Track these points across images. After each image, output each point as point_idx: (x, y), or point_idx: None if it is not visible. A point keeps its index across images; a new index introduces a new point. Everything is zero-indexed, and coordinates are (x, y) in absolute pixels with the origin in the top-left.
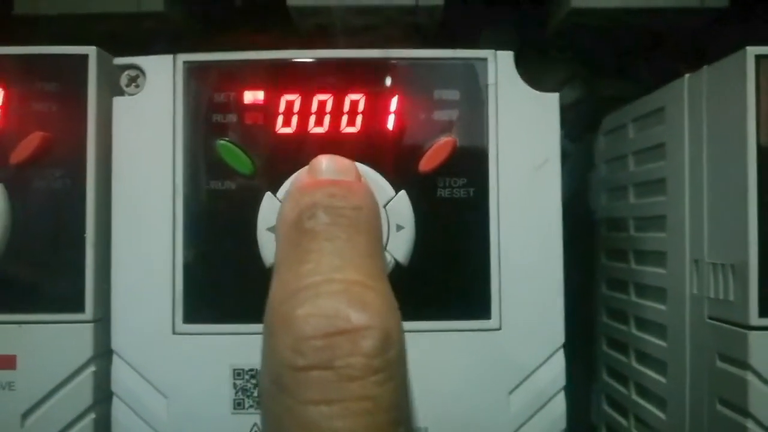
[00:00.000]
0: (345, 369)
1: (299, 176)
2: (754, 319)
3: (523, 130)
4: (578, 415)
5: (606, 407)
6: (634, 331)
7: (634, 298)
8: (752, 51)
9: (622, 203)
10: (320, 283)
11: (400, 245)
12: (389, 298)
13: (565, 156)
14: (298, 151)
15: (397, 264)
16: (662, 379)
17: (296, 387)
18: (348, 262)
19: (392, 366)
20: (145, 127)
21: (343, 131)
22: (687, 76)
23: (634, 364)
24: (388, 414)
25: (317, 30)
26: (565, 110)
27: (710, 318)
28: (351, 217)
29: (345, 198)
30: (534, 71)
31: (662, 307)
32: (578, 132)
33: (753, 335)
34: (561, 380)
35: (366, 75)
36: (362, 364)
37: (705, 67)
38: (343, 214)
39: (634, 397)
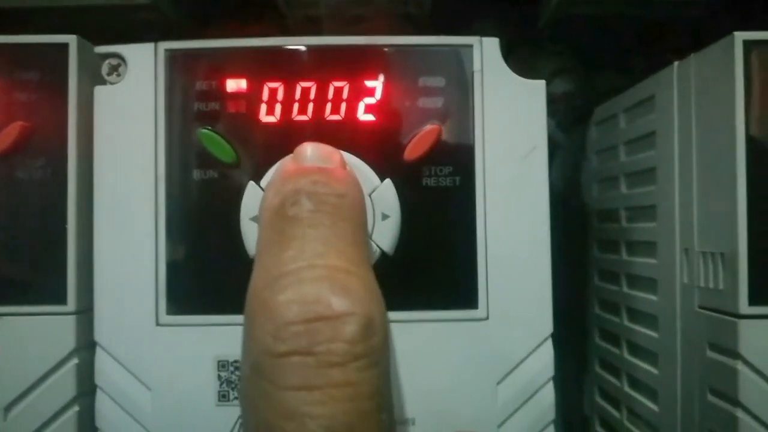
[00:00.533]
0: (326, 355)
1: (283, 163)
2: (744, 307)
3: (510, 118)
4: (571, 407)
5: (599, 399)
6: (625, 322)
7: (625, 289)
8: (740, 36)
9: (614, 194)
10: (302, 269)
11: (385, 234)
12: (372, 285)
13: (557, 147)
14: (281, 140)
15: (383, 253)
16: (654, 370)
17: (276, 372)
18: (331, 248)
19: (375, 352)
20: (126, 117)
21: (327, 119)
22: (676, 63)
23: (626, 355)
24: (371, 400)
25: (307, 21)
26: (557, 101)
27: (700, 307)
28: (335, 204)
29: (329, 185)
30: (526, 62)
31: (653, 297)
32: (570, 123)
33: (743, 324)
34: (549, 370)
35: (350, 62)
36: (343, 350)
37: (693, 54)
38: (327, 201)
39: (626, 388)
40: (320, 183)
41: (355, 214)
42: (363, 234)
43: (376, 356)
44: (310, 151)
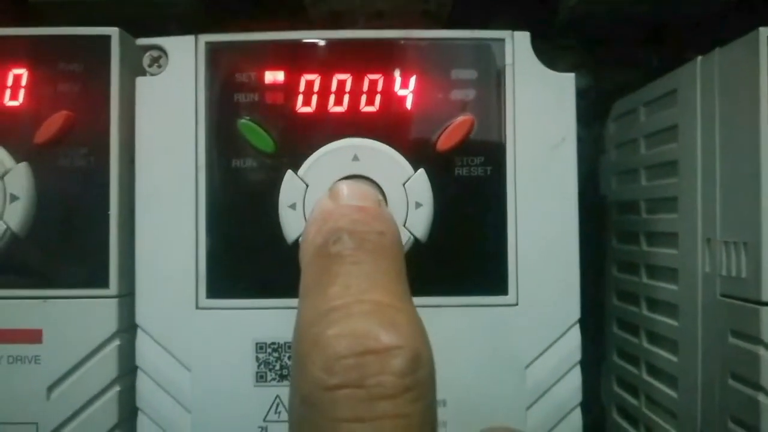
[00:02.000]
0: (376, 388)
1: (321, 202)
2: (767, 295)
3: (540, 110)
4: (589, 396)
5: (616, 388)
6: (645, 312)
7: (645, 279)
8: (765, 31)
9: (634, 186)
10: (350, 305)
11: (418, 222)
12: (417, 320)
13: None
14: (318, 130)
15: (416, 240)
16: (674, 358)
17: (327, 405)
18: (376, 284)
19: (423, 385)
20: (167, 107)
21: (362, 111)
22: (699, 58)
23: (645, 344)
24: (422, 431)
25: (330, 16)
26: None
27: (722, 295)
28: (375, 241)
29: (368, 224)
30: (542, 59)
31: (674, 287)
32: (586, 119)
33: (766, 310)
34: (577, 354)
35: (384, 55)
36: (393, 382)
37: (717, 48)
38: (368, 239)
39: (645, 376)
40: (360, 222)
41: (395, 250)
42: (403, 269)
43: (425, 389)
44: (346, 190)
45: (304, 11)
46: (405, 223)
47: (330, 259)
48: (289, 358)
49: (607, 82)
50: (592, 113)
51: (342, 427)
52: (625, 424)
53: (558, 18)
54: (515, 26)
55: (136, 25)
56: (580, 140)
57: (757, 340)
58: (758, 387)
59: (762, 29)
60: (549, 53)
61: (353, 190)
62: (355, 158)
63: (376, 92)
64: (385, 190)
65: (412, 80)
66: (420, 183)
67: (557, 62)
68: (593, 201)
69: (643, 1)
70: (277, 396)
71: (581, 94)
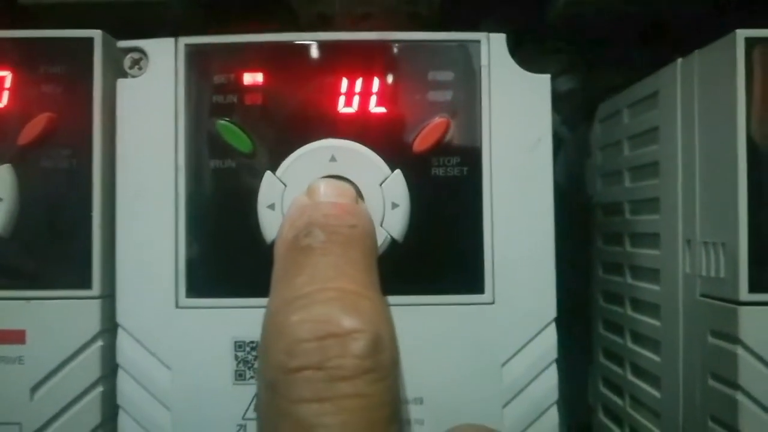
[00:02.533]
0: (336, 369)
1: (297, 199)
2: (744, 294)
3: (516, 111)
4: (575, 396)
5: (602, 388)
6: (629, 312)
7: (629, 280)
8: (742, 34)
9: (618, 188)
10: (314, 292)
11: (395, 222)
12: (381, 306)
13: (562, 143)
14: (296, 131)
15: (393, 240)
16: (656, 358)
17: (288, 388)
18: (342, 273)
19: (383, 368)
20: (148, 108)
21: (340, 111)
22: (679, 60)
23: (629, 344)
24: (381, 411)
25: (319, 18)
26: (562, 99)
27: (702, 295)
28: (346, 234)
29: (340, 218)
30: (532, 60)
31: (656, 287)
32: (575, 120)
33: (743, 310)
34: (553, 353)
35: (362, 56)
36: (353, 364)
37: (696, 51)
38: (339, 231)
39: (630, 376)
40: (332, 216)
41: (365, 242)
42: (373, 262)
43: (385, 371)
44: (323, 188)
45: (293, 13)
46: (382, 223)
47: (300, 252)
48: None
49: (597, 84)
50: (581, 114)
51: (302, 407)
52: (610, 424)
53: (547, 19)
54: (504, 28)
55: (125, 28)
56: (569, 142)
57: (735, 340)
58: (736, 386)
59: (739, 31)
60: (539, 55)
61: (330, 187)
62: (333, 159)
63: (354, 93)
64: (362, 191)
65: (390, 81)
66: (397, 183)
67: (547, 64)
68: (581, 202)
69: (633, 1)
70: (256, 394)
71: (571, 96)
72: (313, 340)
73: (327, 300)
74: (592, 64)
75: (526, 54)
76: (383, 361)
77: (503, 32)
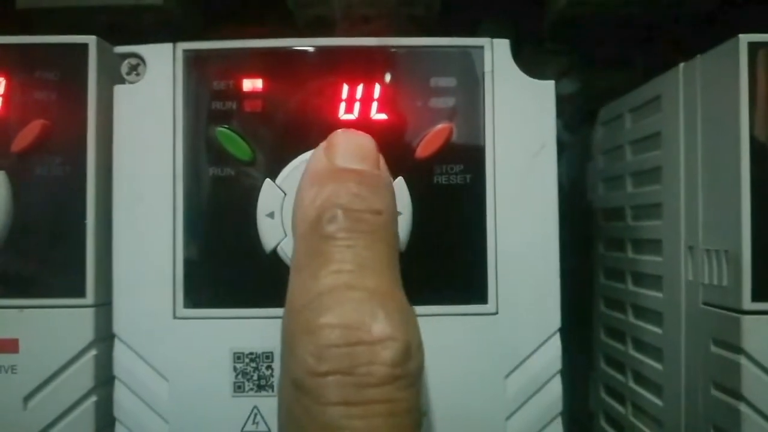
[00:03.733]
0: (366, 376)
1: (316, 158)
2: (747, 303)
3: (520, 117)
4: (577, 403)
5: (604, 395)
6: (631, 319)
7: (631, 286)
8: (745, 38)
9: (619, 193)
10: (342, 290)
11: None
12: (408, 308)
13: (563, 147)
14: (296, 138)
15: None
16: (658, 366)
17: (317, 390)
18: (368, 269)
19: (412, 375)
20: (145, 115)
21: (341, 118)
22: (682, 65)
23: (631, 351)
24: (409, 416)
25: (316, 21)
26: (562, 102)
27: (705, 303)
28: (371, 222)
29: (366, 200)
30: (532, 63)
31: (658, 294)
32: (575, 124)
33: (746, 319)
34: (557, 364)
35: (363, 62)
36: (382, 372)
37: (699, 55)
38: (363, 219)
39: (631, 384)
40: (358, 197)
41: (390, 233)
42: (396, 255)
43: (413, 378)
44: (343, 148)
45: (290, 16)
46: None
47: (324, 239)
48: (267, 368)
49: (596, 87)
50: (581, 118)
51: (331, 409)
52: (612, 431)
53: (547, 22)
54: (504, 30)
55: (123, 32)
56: (570, 145)
57: (738, 349)
58: (739, 396)
59: (742, 36)
60: (538, 57)
61: (351, 147)
62: None
63: (355, 100)
64: None
65: (391, 88)
66: (399, 191)
67: (546, 66)
68: (582, 206)
69: (631, 4)
70: (255, 407)
71: (570, 99)
72: (343, 346)
73: (356, 301)
74: (593, 67)
75: (525, 56)
76: (411, 369)
77: (502, 34)
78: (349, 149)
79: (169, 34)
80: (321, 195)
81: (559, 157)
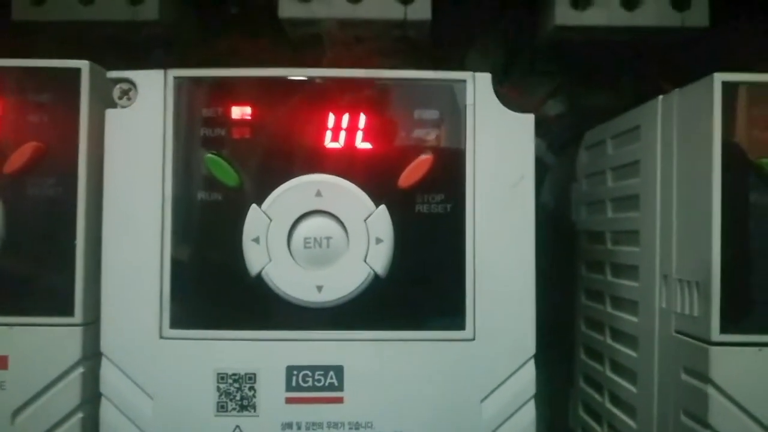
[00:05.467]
0: None
1: None
2: (716, 335)
3: (500, 149)
4: (557, 420)
5: (582, 413)
6: (608, 341)
7: (609, 309)
8: (719, 77)
9: (600, 217)
10: None
11: (379, 257)
12: None
13: (549, 168)
14: (282, 165)
15: (376, 276)
16: (633, 389)
17: None
18: None
19: None
20: (136, 139)
21: (326, 147)
22: (660, 97)
23: (608, 372)
24: None
25: (309, 39)
26: (550, 122)
27: (677, 332)
28: None
29: None
30: (520, 84)
31: (634, 319)
32: (562, 144)
33: (714, 350)
34: (531, 389)
35: (349, 93)
36: None
37: (676, 90)
38: None
39: (608, 404)
40: None
41: None
42: None
43: None
44: None
45: (284, 32)
46: (366, 258)
47: None
48: (249, 388)
49: (585, 108)
50: (569, 138)
51: None
52: None
53: (537, 44)
54: (494, 52)
55: (118, 46)
56: (557, 165)
57: (706, 379)
58: (706, 425)
59: (716, 75)
60: (527, 78)
61: None
62: (318, 194)
63: (341, 129)
64: (346, 226)
65: (376, 118)
66: (381, 219)
67: (534, 87)
68: (567, 226)
69: (619, 30)
70: (237, 426)
71: (559, 120)
72: None
73: None
74: (582, 88)
75: (515, 76)
76: None
77: (493, 55)
78: None
79: (165, 49)
80: None
81: (545, 178)
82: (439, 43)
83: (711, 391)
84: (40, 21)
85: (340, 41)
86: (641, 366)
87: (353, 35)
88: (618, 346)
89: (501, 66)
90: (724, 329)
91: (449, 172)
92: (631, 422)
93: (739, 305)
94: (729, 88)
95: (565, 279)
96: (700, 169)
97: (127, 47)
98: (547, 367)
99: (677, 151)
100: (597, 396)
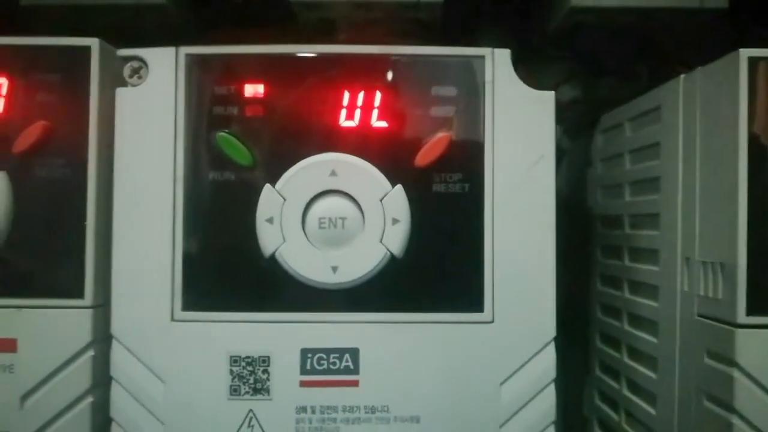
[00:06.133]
0: None
1: None
2: (742, 317)
3: (519, 127)
4: (572, 408)
5: (598, 401)
6: (626, 327)
7: (627, 294)
8: (745, 53)
9: (618, 201)
10: None
11: (395, 238)
12: None
13: (563, 153)
14: (296, 144)
15: (392, 256)
16: (653, 375)
17: None
18: None
19: None
20: (147, 118)
21: (341, 125)
22: (682, 76)
23: (626, 359)
24: None
25: (320, 24)
26: (563, 108)
27: (699, 315)
28: None
29: None
30: (533, 69)
31: (654, 303)
32: (576, 130)
33: (740, 333)
34: (552, 372)
35: (364, 70)
36: None
37: (699, 68)
38: None
39: (625, 392)
40: None
41: None
42: None
43: None
44: None
45: (294, 18)
46: (381, 239)
47: None
48: (263, 372)
49: (598, 93)
50: (582, 124)
51: None
52: None
53: (549, 28)
54: (506, 36)
55: (125, 31)
56: (571, 151)
57: (731, 362)
58: (731, 409)
59: (742, 51)
60: (540, 63)
61: None
62: (333, 173)
63: (356, 107)
64: (362, 206)
65: (392, 96)
66: (397, 199)
67: (548, 72)
68: (581, 212)
69: (631, 12)
70: (250, 410)
71: (573, 105)
72: None
73: None
74: (595, 74)
75: (527, 62)
76: None
77: (504, 40)
78: None
79: (172, 35)
80: None
81: (559, 163)
82: (450, 27)
83: (737, 374)
84: (47, 5)
85: (351, 25)
86: (662, 351)
87: (365, 18)
88: (637, 331)
89: (513, 50)
90: (750, 311)
91: (467, 150)
92: (650, 409)
93: (766, 286)
94: (755, 64)
95: (580, 265)
96: (725, 148)
97: (134, 34)
98: (563, 355)
99: (700, 131)
100: (614, 384)
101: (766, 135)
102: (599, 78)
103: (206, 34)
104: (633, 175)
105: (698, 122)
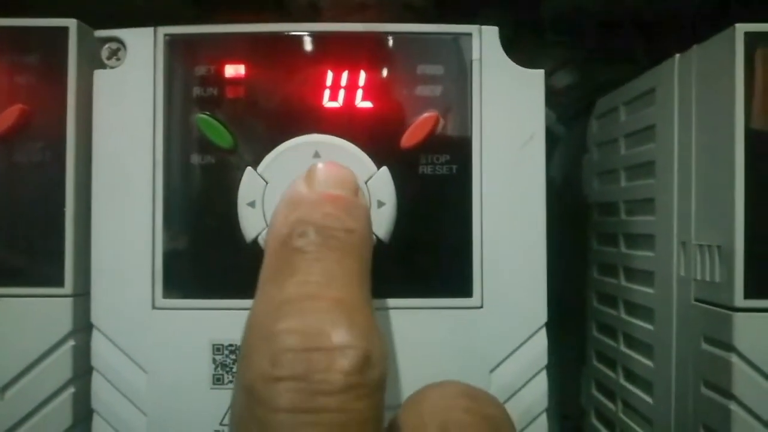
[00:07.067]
0: (321, 383)
1: (295, 185)
2: (740, 300)
3: (508, 106)
4: (568, 399)
5: (595, 392)
6: (623, 315)
7: (623, 282)
8: (741, 28)
9: (613, 187)
10: (305, 300)
11: (381, 222)
12: (373, 321)
13: (558, 140)
14: (278, 126)
15: (379, 241)
16: (649, 363)
17: (269, 396)
18: (335, 282)
19: (369, 385)
20: (125, 101)
21: (324, 106)
22: (677, 56)
23: (623, 348)
24: (364, 427)
25: (310, 8)
26: (559, 94)
27: (696, 300)
28: (342, 239)
29: (339, 219)
30: (529, 54)
31: (650, 290)
32: (572, 116)
33: (738, 317)
34: (543, 359)
35: (348, 49)
36: (338, 380)
37: (695, 46)
38: (335, 236)
39: (622, 381)
40: (330, 216)
41: (362, 251)
42: (367, 273)
43: (371, 389)
44: (323, 174)
45: (284, 4)
46: None
47: (293, 252)
48: None
49: (595, 79)
50: (578, 110)
51: (282, 416)
52: (602, 428)
53: (546, 12)
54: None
55: (116, 17)
56: (567, 138)
57: (729, 347)
58: (729, 395)
59: (738, 25)
60: (537, 48)
61: (330, 174)
62: (316, 155)
63: (339, 87)
64: None
65: (377, 75)
66: (383, 181)
67: (545, 57)
68: (577, 200)
69: None
70: (232, 396)
71: (569, 91)
72: (300, 351)
73: (318, 310)
74: (592, 59)
75: (524, 46)
76: (371, 378)
77: (501, 24)
78: (328, 178)
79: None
80: (295, 213)
81: (555, 151)
82: (445, 11)
83: (735, 359)
84: None
85: (341, 10)
86: (658, 338)
87: (356, 3)
88: (633, 319)
89: (511, 34)
90: (748, 294)
91: (454, 131)
92: (647, 398)
93: (764, 269)
94: (752, 39)
95: (575, 254)
96: (722, 129)
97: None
98: (558, 345)
99: (696, 112)
100: (611, 373)
101: (763, 113)
102: (597, 63)
103: (196, 18)
104: (628, 160)
105: (694, 102)
